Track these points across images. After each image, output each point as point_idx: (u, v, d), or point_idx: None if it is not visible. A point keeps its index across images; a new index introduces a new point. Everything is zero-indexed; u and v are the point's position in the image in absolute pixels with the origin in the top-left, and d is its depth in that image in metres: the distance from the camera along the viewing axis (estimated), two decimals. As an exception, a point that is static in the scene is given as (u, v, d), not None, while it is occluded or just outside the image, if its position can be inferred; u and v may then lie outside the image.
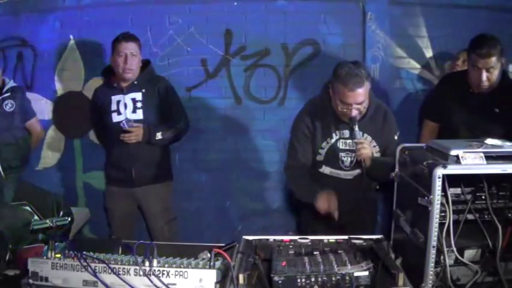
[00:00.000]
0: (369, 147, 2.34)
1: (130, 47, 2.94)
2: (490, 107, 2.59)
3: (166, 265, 1.49)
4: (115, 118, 2.99)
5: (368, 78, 2.27)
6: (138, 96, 2.99)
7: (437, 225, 1.47)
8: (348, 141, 2.42)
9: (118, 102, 3.00)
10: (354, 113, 2.29)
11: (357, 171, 2.45)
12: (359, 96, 2.25)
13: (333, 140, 2.43)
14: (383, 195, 2.86)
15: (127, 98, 2.99)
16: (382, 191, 2.73)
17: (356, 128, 2.33)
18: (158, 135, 2.97)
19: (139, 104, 2.99)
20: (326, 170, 2.49)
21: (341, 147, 2.44)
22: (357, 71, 2.22)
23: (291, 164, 2.51)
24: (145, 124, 2.96)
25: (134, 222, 3.27)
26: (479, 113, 2.60)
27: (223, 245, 1.83)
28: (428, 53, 3.47)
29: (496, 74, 2.49)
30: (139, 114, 2.99)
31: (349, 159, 2.44)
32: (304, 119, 2.46)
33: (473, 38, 2.54)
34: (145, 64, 3.09)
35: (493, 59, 2.44)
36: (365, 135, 2.41)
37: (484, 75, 2.48)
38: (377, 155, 2.43)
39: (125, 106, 2.99)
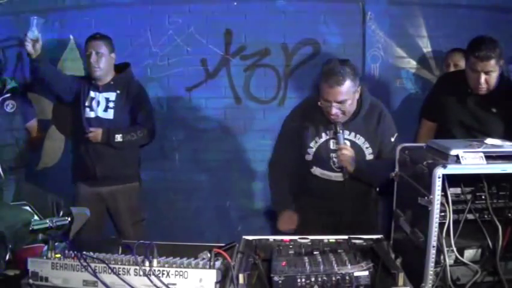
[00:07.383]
0: (350, 153, 2.26)
1: (96, 45, 2.97)
2: (488, 107, 2.57)
3: (166, 265, 1.48)
4: (87, 113, 3.03)
5: (354, 77, 2.18)
6: (112, 96, 3.03)
7: (437, 225, 1.47)
8: None
9: (92, 99, 3.03)
10: (334, 111, 2.21)
11: None
12: (338, 95, 2.17)
13: (322, 140, 2.35)
14: (383, 195, 2.85)
15: (101, 97, 3.02)
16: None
17: (340, 132, 2.25)
18: (118, 138, 2.97)
19: (111, 104, 3.02)
20: (316, 171, 2.41)
21: (332, 147, 2.34)
22: (340, 69, 2.15)
23: (273, 161, 2.56)
24: (106, 126, 2.98)
25: (104, 227, 3.21)
26: (476, 113, 2.59)
27: (223, 245, 1.82)
28: (428, 53, 3.47)
29: (494, 76, 2.46)
30: (110, 114, 3.02)
31: None
32: (293, 117, 2.44)
33: (472, 40, 2.49)
34: (125, 67, 3.12)
35: (492, 62, 2.40)
36: (358, 136, 2.32)
37: (483, 78, 2.45)
38: (370, 157, 2.35)
39: (98, 104, 3.02)
